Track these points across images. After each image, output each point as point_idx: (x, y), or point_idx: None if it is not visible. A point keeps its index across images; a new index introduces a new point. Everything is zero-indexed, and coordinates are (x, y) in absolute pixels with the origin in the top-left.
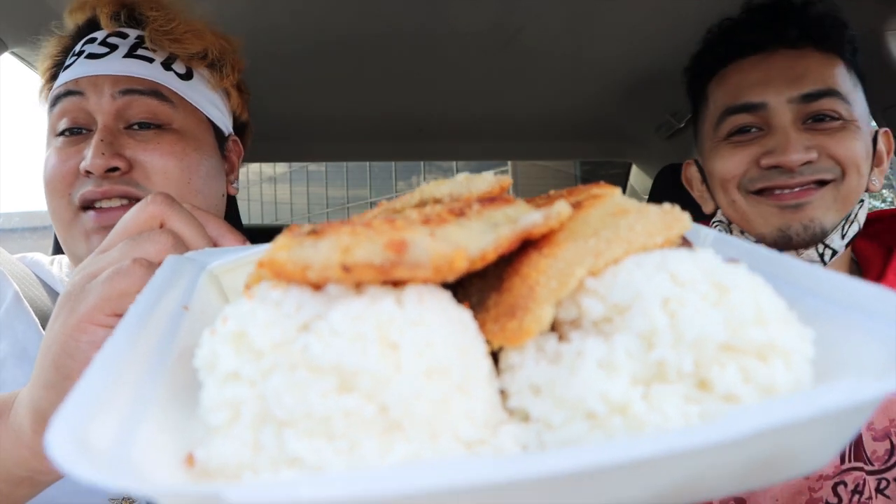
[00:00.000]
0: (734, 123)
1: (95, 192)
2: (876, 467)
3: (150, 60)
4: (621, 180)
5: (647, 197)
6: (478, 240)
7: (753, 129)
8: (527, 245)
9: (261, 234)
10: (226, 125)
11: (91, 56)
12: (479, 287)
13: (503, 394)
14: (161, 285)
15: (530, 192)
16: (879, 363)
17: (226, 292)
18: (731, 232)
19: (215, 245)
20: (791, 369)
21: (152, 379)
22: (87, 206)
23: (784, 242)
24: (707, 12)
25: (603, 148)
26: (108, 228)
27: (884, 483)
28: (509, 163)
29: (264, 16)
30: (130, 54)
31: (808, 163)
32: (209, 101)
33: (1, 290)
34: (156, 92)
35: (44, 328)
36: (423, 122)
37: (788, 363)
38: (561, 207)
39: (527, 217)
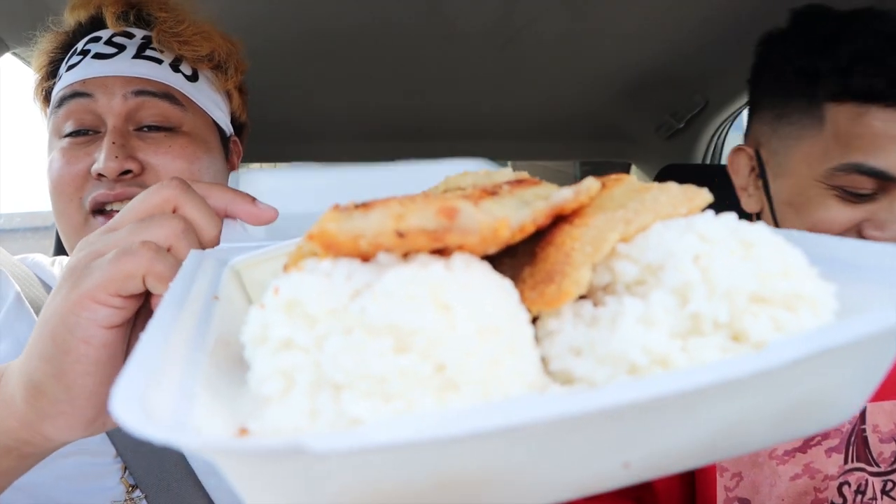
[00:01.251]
0: (856, 183)
1: (109, 195)
2: (882, 469)
3: (159, 62)
4: None
5: None
6: (515, 214)
7: (867, 192)
8: (557, 221)
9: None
10: (227, 126)
11: (98, 56)
12: (509, 265)
13: (543, 361)
14: (191, 275)
15: None
16: None
17: (246, 287)
18: None
19: (226, 214)
20: (819, 318)
21: (196, 359)
22: (97, 209)
23: None
24: (707, 12)
25: (603, 148)
26: None
27: (889, 485)
28: (509, 163)
29: (263, 15)
30: (139, 55)
31: None
32: (214, 102)
33: (2, 290)
34: (167, 94)
35: None
36: (423, 123)
37: (816, 312)
38: (590, 183)
39: (558, 193)
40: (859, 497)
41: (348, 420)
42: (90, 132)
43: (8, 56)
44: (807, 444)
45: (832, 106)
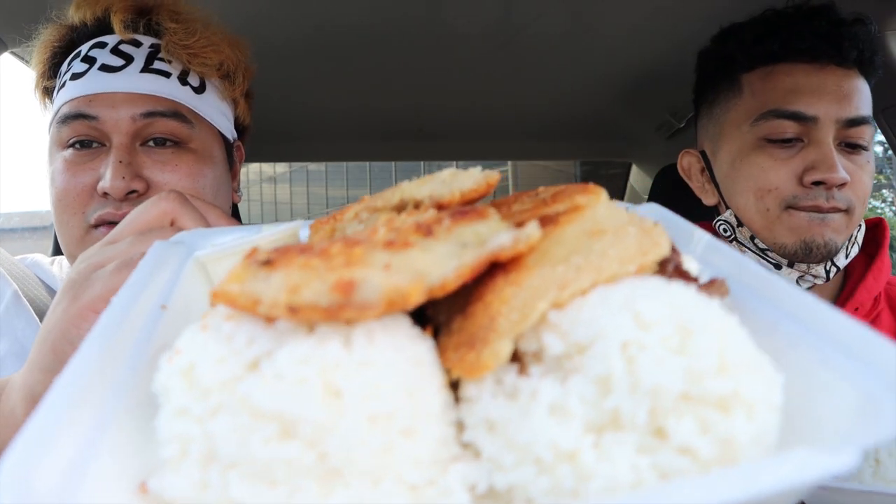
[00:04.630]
0: (778, 129)
1: (116, 214)
2: None
3: (167, 75)
4: (621, 180)
5: (646, 197)
6: (441, 265)
7: (794, 140)
8: (496, 266)
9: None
10: (232, 133)
11: (105, 68)
12: (448, 305)
13: (460, 425)
14: (140, 281)
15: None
16: (845, 419)
17: (213, 280)
18: (736, 235)
19: None
20: (753, 420)
21: (121, 390)
22: (99, 223)
23: (804, 254)
24: (707, 12)
25: (603, 148)
26: None
27: None
28: (509, 163)
29: (264, 15)
30: (147, 68)
31: (843, 185)
32: (220, 112)
33: (0, 289)
34: (176, 113)
35: None
36: (424, 122)
37: (750, 414)
38: (531, 230)
39: (494, 240)
40: None
41: (231, 501)
42: (95, 144)
43: (7, 56)
44: None
45: (746, 75)
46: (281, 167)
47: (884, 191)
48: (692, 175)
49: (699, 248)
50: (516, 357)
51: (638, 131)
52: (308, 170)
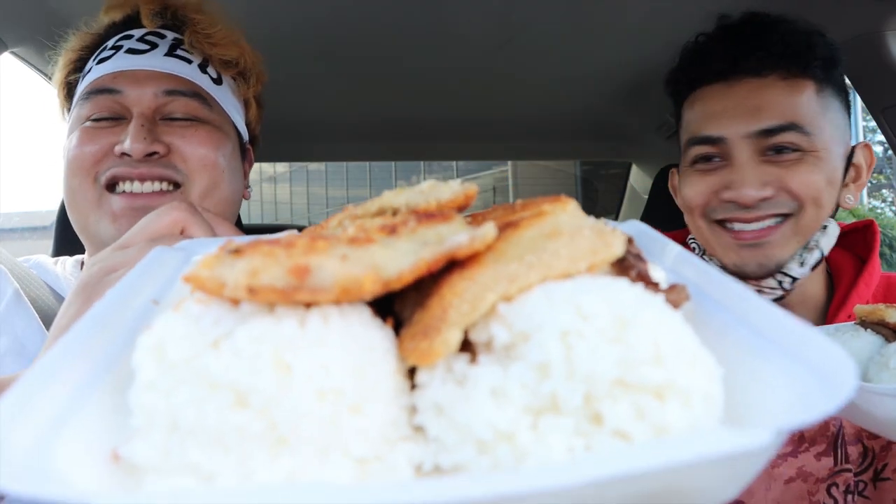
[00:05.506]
0: (697, 153)
1: (131, 172)
2: (852, 469)
3: (189, 62)
4: (621, 180)
5: (646, 197)
6: (399, 260)
7: (716, 159)
8: (454, 264)
9: (260, 234)
10: (244, 132)
11: (131, 51)
12: (412, 300)
13: (413, 410)
14: (137, 278)
15: (530, 192)
16: (779, 408)
17: None
18: (703, 253)
19: None
20: (689, 409)
21: (104, 366)
22: (111, 185)
23: (740, 275)
24: (708, 12)
25: (603, 148)
26: (137, 210)
27: (861, 485)
28: (509, 163)
29: (264, 16)
30: (171, 53)
31: (765, 199)
32: (235, 108)
33: (0, 287)
34: (196, 94)
35: (45, 326)
36: (424, 122)
37: (686, 403)
38: (487, 230)
39: (452, 239)
40: (850, 497)
41: (188, 465)
42: (115, 119)
43: (7, 56)
44: (796, 449)
45: (685, 103)
46: (281, 167)
47: (884, 191)
48: (677, 194)
49: (670, 258)
50: (471, 348)
51: (638, 131)
52: (308, 170)
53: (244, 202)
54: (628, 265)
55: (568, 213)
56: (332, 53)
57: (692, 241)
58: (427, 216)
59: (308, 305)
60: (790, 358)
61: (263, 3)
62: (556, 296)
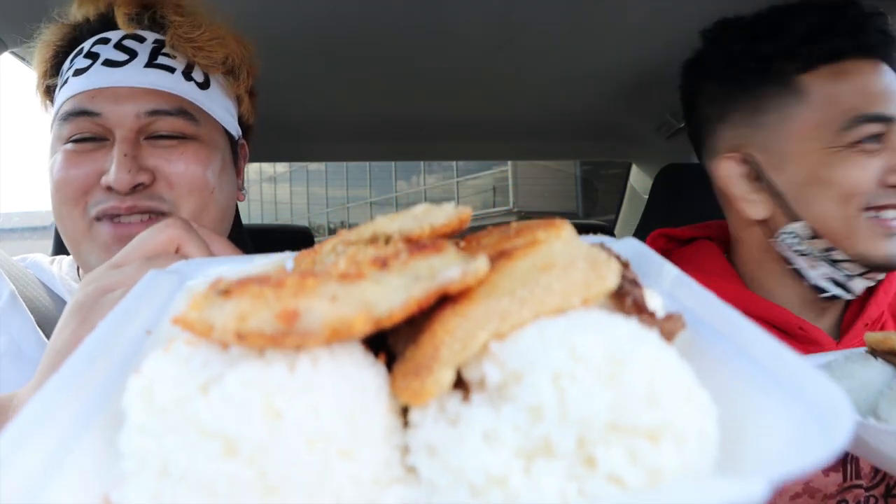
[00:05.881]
0: (868, 132)
1: (119, 207)
2: (864, 484)
3: (171, 70)
4: (621, 180)
5: (646, 197)
6: (390, 298)
7: (873, 142)
8: (447, 299)
9: (260, 234)
10: (237, 130)
11: (109, 63)
12: (405, 335)
13: (407, 449)
14: (129, 307)
15: (531, 191)
16: (777, 450)
17: None
18: (811, 249)
19: None
20: (682, 450)
21: (95, 406)
22: (102, 217)
23: (890, 268)
24: (708, 12)
25: (603, 148)
26: (127, 238)
27: (873, 500)
28: (509, 163)
29: (264, 16)
30: (151, 63)
31: None
32: (224, 108)
33: None
34: (181, 111)
35: (41, 327)
36: (424, 122)
37: (680, 444)
38: (479, 264)
39: (443, 274)
40: None
41: None
42: (97, 139)
43: (7, 56)
44: None
45: (806, 77)
46: (281, 167)
47: None
48: (733, 184)
49: (667, 282)
50: (464, 385)
51: (638, 131)
52: (308, 170)
53: (244, 202)
54: (624, 292)
55: (562, 239)
56: (332, 53)
57: (790, 235)
58: (419, 247)
59: (298, 347)
60: (789, 395)
61: (263, 3)
62: (549, 334)
